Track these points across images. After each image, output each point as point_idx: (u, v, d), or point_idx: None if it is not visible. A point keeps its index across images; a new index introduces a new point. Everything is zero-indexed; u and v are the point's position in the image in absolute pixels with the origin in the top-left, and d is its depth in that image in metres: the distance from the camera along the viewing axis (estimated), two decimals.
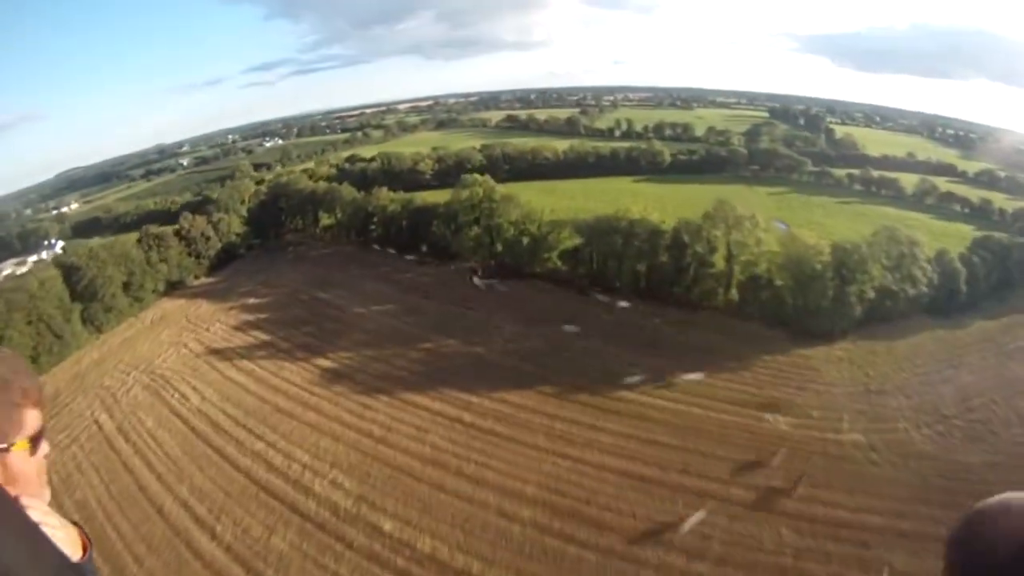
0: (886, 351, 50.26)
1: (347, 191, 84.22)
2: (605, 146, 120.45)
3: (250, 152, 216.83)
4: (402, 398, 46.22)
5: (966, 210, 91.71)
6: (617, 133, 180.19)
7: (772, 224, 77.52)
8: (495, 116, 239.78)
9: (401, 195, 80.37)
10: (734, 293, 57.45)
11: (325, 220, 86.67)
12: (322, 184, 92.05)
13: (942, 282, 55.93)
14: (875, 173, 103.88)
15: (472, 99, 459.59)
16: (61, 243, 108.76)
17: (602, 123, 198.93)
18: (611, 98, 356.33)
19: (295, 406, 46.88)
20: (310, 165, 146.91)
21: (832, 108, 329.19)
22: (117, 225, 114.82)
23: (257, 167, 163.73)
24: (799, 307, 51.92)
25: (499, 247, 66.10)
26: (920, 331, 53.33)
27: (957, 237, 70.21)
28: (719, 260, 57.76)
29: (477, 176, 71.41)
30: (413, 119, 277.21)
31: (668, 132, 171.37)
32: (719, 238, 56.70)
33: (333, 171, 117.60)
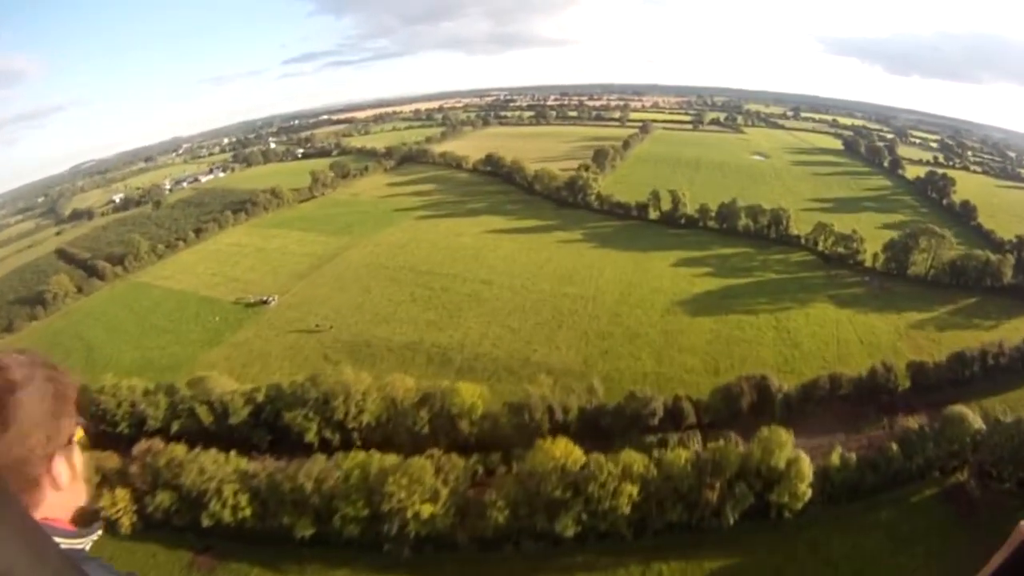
0: None
1: None
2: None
3: (163, 198, 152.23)
4: None
5: None
6: (654, 214, 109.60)
7: None
8: (477, 152, 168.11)
9: None
10: None
11: None
12: None
13: None
14: None
15: (487, 98, 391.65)
16: None
17: (627, 189, 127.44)
18: (640, 102, 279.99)
19: None
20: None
21: (885, 117, 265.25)
22: None
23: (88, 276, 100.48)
24: None
25: None
26: None
27: None
28: None
29: None
30: (402, 134, 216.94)
31: (743, 220, 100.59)
32: None
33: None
